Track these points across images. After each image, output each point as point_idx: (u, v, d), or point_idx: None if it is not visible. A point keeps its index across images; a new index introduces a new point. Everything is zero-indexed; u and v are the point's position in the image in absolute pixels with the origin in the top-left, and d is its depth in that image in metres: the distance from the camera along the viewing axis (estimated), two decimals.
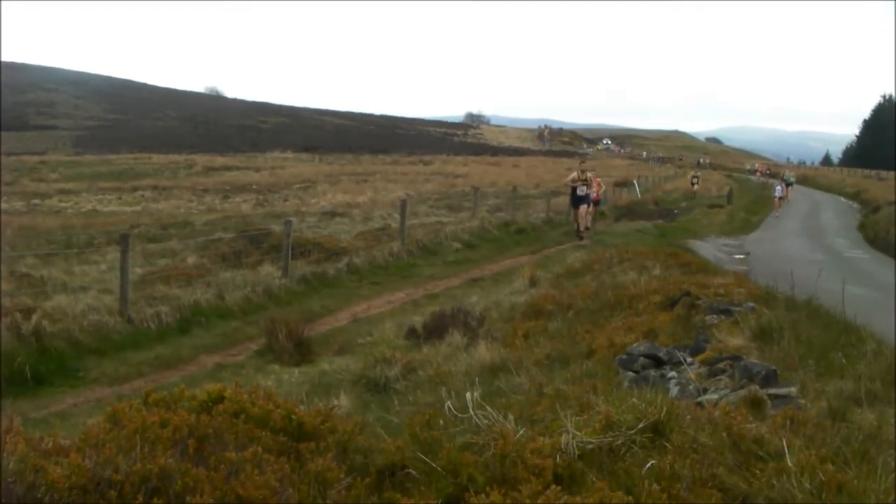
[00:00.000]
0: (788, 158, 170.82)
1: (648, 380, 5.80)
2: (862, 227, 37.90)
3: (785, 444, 3.64)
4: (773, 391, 5.14)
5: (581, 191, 26.03)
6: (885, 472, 3.45)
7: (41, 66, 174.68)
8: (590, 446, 3.79)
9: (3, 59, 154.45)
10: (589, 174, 27.55)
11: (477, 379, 6.64)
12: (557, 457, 3.62)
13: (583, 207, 26.88)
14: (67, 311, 11.69)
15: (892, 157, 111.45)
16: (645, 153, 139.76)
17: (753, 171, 57.07)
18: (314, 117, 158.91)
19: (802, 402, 4.97)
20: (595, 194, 29.37)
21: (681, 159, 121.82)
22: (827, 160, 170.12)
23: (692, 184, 56.88)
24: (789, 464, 3.43)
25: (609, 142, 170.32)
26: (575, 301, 10.78)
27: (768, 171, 71.60)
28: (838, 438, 3.97)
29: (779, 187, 47.67)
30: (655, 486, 3.28)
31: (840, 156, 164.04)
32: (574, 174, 27.01)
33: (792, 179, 56.62)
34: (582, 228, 26.99)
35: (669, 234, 29.03)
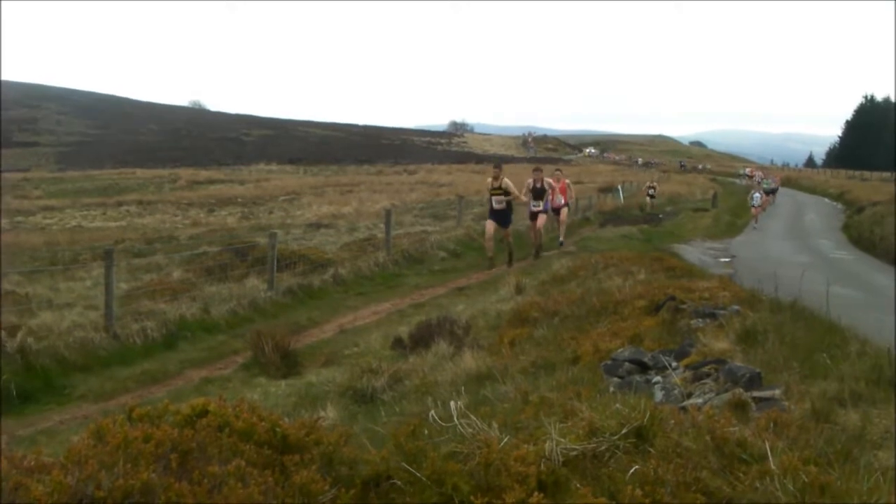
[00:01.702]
0: (772, 160, 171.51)
1: (633, 385, 5.82)
2: (846, 228, 38.07)
3: (768, 446, 3.65)
4: (757, 394, 5.15)
5: (498, 203, 21.11)
6: (869, 473, 3.46)
7: (23, 82, 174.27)
8: (574, 453, 3.79)
9: None
10: (548, 180, 24.49)
11: (463, 388, 6.65)
12: (541, 464, 3.62)
13: (541, 218, 23.78)
14: (53, 327, 11.66)
15: (875, 157, 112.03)
16: (640, 160, 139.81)
17: (747, 176, 55.77)
18: (298, 129, 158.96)
19: (786, 403, 4.98)
20: (563, 200, 26.84)
21: (684, 165, 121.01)
22: (810, 162, 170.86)
23: (649, 196, 50.45)
24: (772, 466, 3.44)
25: (592, 150, 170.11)
26: (560, 308, 10.79)
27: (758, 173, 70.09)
28: (822, 440, 3.98)
29: (756, 195, 43.32)
30: (639, 491, 3.29)
31: (823, 157, 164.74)
32: (488, 181, 22.08)
33: (772, 185, 55.21)
34: (536, 245, 23.97)
35: (655, 238, 29.13)
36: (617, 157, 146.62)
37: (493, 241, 21.34)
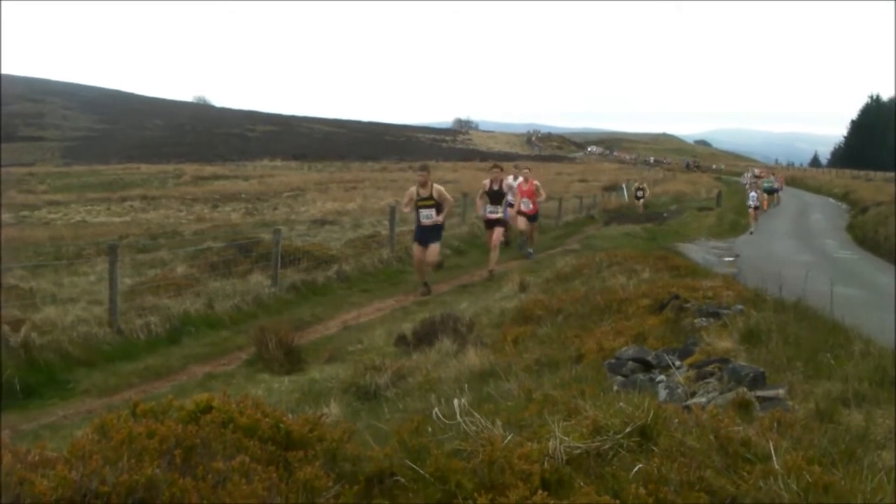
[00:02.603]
0: (777, 160, 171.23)
1: (637, 384, 5.81)
2: (850, 228, 38.00)
3: (772, 445, 3.65)
4: (760, 393, 5.15)
5: (426, 217, 16.96)
6: (872, 473, 3.46)
7: (29, 77, 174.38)
8: (577, 451, 3.79)
9: None
10: (508, 181, 21.14)
11: (466, 385, 6.64)
12: (545, 462, 3.62)
13: (498, 230, 19.86)
14: (57, 322, 11.66)
15: (880, 157, 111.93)
16: (652, 158, 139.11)
17: (755, 177, 54.42)
18: (302, 125, 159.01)
19: (790, 403, 4.98)
20: (533, 206, 23.67)
21: (697, 166, 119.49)
22: (815, 161, 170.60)
23: (637, 198, 47.89)
24: (776, 465, 3.44)
25: (594, 148, 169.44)
26: (564, 306, 10.78)
27: (771, 173, 67.95)
28: (825, 439, 3.98)
29: (752, 194, 39.72)
30: (643, 490, 3.28)
31: (828, 157, 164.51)
32: (412, 190, 17.46)
33: (775, 185, 52.24)
34: (492, 265, 19.56)
35: (659, 237, 29.09)
36: (628, 157, 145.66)
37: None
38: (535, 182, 24.21)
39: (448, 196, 17.47)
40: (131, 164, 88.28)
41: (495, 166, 20.61)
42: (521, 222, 23.42)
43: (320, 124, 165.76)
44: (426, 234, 17.13)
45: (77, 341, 11.24)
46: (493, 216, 19.73)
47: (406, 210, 17.72)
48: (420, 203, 17.02)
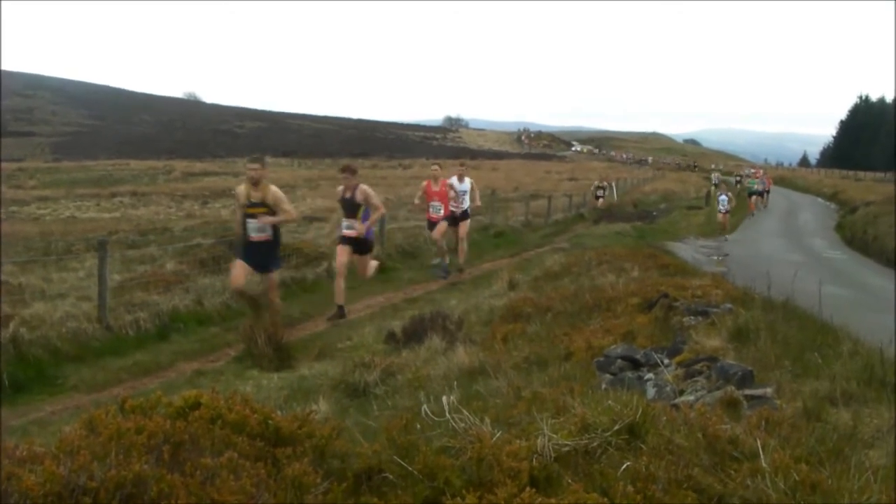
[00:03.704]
0: (766, 159, 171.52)
1: (625, 382, 5.83)
2: (839, 228, 38.13)
3: (760, 444, 3.66)
4: (749, 392, 5.16)
5: (259, 231, 12.33)
6: (859, 472, 3.47)
7: (18, 72, 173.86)
8: (566, 449, 3.80)
9: None
10: (363, 187, 14.32)
11: (455, 382, 6.65)
12: (533, 459, 3.63)
13: (345, 252, 14.58)
14: (45, 318, 11.62)
15: (869, 157, 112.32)
16: (650, 158, 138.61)
17: (748, 177, 52.99)
18: (292, 122, 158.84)
19: (778, 402, 5.00)
20: (459, 205, 19.65)
21: (695, 166, 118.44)
22: (805, 161, 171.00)
23: (596, 197, 43.92)
24: (764, 464, 3.45)
25: (578, 146, 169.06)
26: (553, 304, 10.80)
27: (765, 173, 65.61)
28: (813, 438, 4.00)
29: (723, 197, 35.20)
30: (630, 488, 3.29)
31: (818, 157, 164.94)
32: (239, 190, 13.10)
33: (759, 187, 47.50)
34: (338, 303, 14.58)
35: (648, 235, 29.11)
36: (625, 156, 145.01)
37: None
38: (467, 180, 19.91)
39: (288, 206, 12.95)
40: (121, 159, 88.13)
41: (346, 168, 14.91)
42: (439, 231, 19.15)
43: (310, 121, 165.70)
44: (251, 255, 12.46)
45: (66, 337, 11.21)
46: (348, 233, 14.35)
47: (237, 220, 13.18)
48: (248, 210, 12.40)
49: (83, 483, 2.90)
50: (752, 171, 65.58)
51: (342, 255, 14.59)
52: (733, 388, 5.18)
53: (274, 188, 12.81)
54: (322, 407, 7.02)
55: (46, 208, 46.34)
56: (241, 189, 12.80)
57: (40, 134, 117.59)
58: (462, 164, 21.87)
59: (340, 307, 14.25)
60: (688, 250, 24.85)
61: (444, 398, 4.35)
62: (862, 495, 3.26)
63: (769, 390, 5.23)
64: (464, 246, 20.29)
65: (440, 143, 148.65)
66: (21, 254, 21.31)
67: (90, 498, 2.88)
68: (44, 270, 17.15)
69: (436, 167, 20.05)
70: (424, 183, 19.57)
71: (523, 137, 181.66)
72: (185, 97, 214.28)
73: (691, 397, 5.30)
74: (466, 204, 20.04)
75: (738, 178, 64.49)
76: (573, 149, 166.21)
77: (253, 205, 12.41)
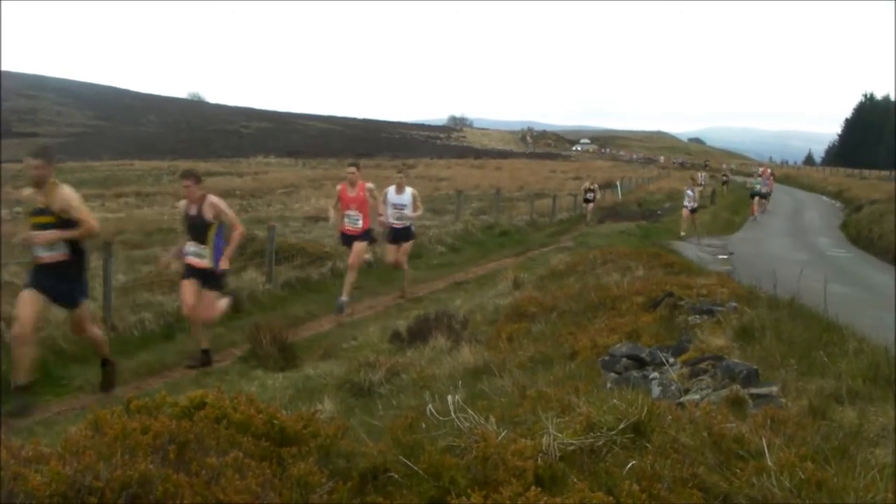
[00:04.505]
0: (771, 158, 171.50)
1: (630, 381, 5.82)
2: (844, 226, 38.10)
3: (765, 442, 3.66)
4: (754, 390, 5.15)
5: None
6: (865, 470, 3.47)
7: (22, 73, 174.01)
8: (571, 447, 3.80)
9: None
10: (213, 199, 11.49)
11: (460, 382, 6.66)
12: (539, 458, 3.63)
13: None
14: (50, 318, 11.64)
15: (874, 156, 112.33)
16: (662, 158, 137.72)
17: (759, 175, 51.29)
18: (297, 122, 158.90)
19: (783, 400, 4.99)
20: (361, 223, 15.26)
21: (707, 165, 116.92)
22: (809, 159, 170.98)
23: (586, 201, 38.62)
24: (769, 462, 3.44)
25: (579, 146, 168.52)
26: (558, 303, 10.79)
27: (771, 175, 62.47)
28: (818, 436, 3.99)
29: (689, 193, 32.92)
30: (636, 487, 3.29)
31: (823, 155, 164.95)
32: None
33: (762, 188, 43.69)
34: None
35: (653, 234, 29.11)
36: (635, 156, 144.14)
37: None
38: (371, 184, 15.67)
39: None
40: (125, 160, 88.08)
41: (188, 174, 11.82)
42: (355, 254, 15.26)
43: (315, 121, 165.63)
44: (49, 281, 9.50)
45: (71, 338, 11.21)
46: (196, 262, 11.28)
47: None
48: (33, 220, 9.57)
49: (89, 483, 2.91)
50: (762, 169, 64.53)
51: (189, 293, 11.27)
52: (738, 386, 5.17)
53: (65, 190, 9.62)
54: (327, 406, 7.04)
55: None
56: (27, 193, 9.74)
57: (44, 135, 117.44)
58: (400, 172, 18.79)
59: (205, 351, 11.53)
60: (693, 249, 24.81)
61: (449, 397, 4.35)
62: (867, 493, 3.25)
63: (774, 389, 5.22)
64: (407, 268, 17.53)
65: (444, 143, 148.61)
66: (25, 254, 21.32)
67: (96, 498, 2.88)
68: None
69: (352, 169, 15.62)
70: (339, 187, 15.64)
71: (528, 137, 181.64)
72: (190, 97, 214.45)
73: (696, 396, 5.29)
74: (409, 219, 17.16)
75: (724, 178, 63.82)
76: (575, 147, 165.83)
77: (38, 212, 9.46)
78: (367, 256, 16.48)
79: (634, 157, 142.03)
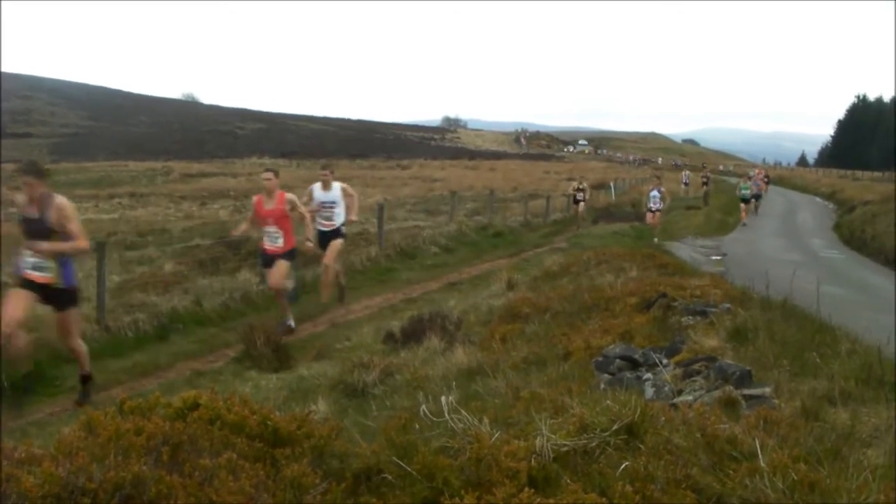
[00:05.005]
0: (764, 159, 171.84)
1: (624, 382, 5.83)
2: (837, 227, 38.13)
3: (758, 443, 3.67)
4: (747, 391, 5.17)
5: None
6: (857, 471, 3.48)
7: (16, 73, 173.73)
8: (564, 449, 3.80)
9: None
10: (59, 200, 9.38)
11: (454, 383, 6.66)
12: (532, 459, 3.63)
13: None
14: (44, 319, 11.63)
15: (867, 157, 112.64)
16: (660, 159, 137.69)
17: (748, 177, 49.85)
18: (291, 122, 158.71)
19: (776, 401, 5.00)
20: (283, 241, 13.12)
21: (703, 166, 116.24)
22: (803, 161, 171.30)
23: (576, 201, 36.46)
24: (762, 463, 3.45)
25: (572, 148, 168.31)
26: (552, 304, 10.80)
27: (766, 179, 60.45)
28: (811, 438, 4.00)
29: (654, 193, 30.12)
30: (629, 488, 3.30)
31: (816, 156, 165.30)
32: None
33: (746, 192, 41.16)
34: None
35: (647, 235, 29.08)
36: (633, 157, 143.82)
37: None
38: (291, 195, 13.47)
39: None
40: (119, 161, 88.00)
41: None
42: (278, 275, 13.16)
43: (309, 122, 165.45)
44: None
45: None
46: (35, 276, 9.13)
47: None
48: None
49: (82, 484, 2.91)
50: (757, 171, 63.51)
51: (16, 306, 9.05)
52: (732, 387, 5.18)
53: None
54: (321, 407, 7.03)
55: None
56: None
57: (38, 135, 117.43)
58: (325, 168, 15.73)
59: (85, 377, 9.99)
60: (686, 250, 24.81)
61: (443, 398, 4.35)
62: (860, 494, 3.26)
63: (767, 390, 5.23)
64: (337, 270, 15.51)
65: (438, 144, 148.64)
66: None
67: (89, 499, 2.88)
68: None
69: (268, 175, 13.30)
70: (255, 199, 13.49)
71: (521, 138, 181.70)
72: (184, 98, 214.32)
73: (690, 397, 5.30)
74: (339, 219, 15.13)
75: (704, 179, 63.59)
76: (567, 149, 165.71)
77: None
78: (289, 283, 13.68)
79: (632, 158, 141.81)
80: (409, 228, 25.59)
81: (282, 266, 13.11)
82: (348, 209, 15.34)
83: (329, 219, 14.98)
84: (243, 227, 13.89)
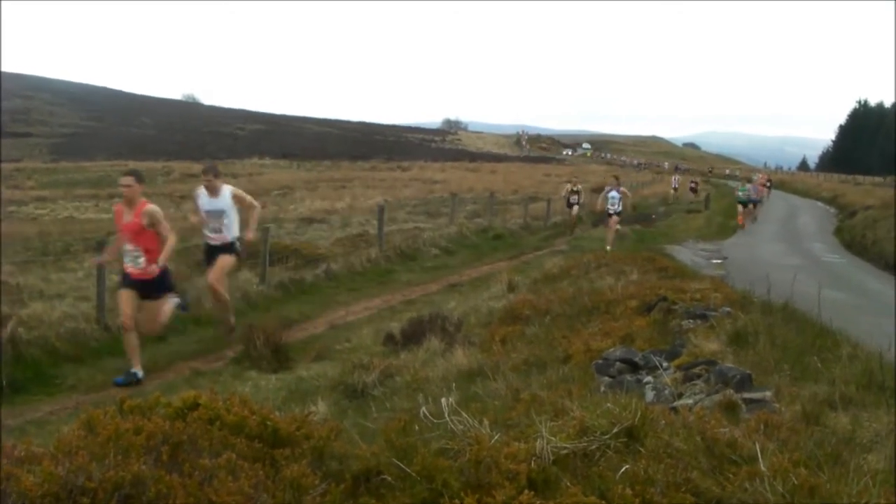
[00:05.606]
0: (766, 163, 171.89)
1: (624, 385, 5.82)
2: (838, 232, 38.13)
3: (758, 447, 3.66)
4: (747, 395, 5.16)
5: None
6: (858, 476, 3.47)
7: (16, 73, 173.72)
8: (564, 451, 3.80)
9: None
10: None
11: (454, 384, 6.66)
12: (532, 462, 3.63)
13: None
14: (44, 318, 11.61)
15: (868, 162, 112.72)
16: (667, 163, 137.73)
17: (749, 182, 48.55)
18: (292, 124, 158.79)
19: (777, 405, 5.00)
20: (146, 263, 10.64)
21: (711, 171, 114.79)
22: (804, 165, 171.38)
23: (570, 204, 33.72)
24: (762, 467, 3.45)
25: (570, 151, 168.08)
26: (552, 306, 10.80)
27: (769, 183, 59.06)
28: (812, 442, 4.00)
29: (613, 194, 26.78)
30: (629, 491, 3.29)
31: (817, 161, 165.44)
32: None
33: (742, 196, 40.46)
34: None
35: (647, 238, 29.08)
36: (636, 161, 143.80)
37: None
38: (150, 207, 10.76)
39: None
40: (119, 160, 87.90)
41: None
42: (126, 303, 10.69)
43: (310, 124, 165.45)
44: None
45: (64, 337, 11.21)
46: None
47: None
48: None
49: (81, 483, 2.90)
50: (760, 176, 63.32)
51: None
52: (732, 391, 5.17)
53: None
54: (320, 408, 7.03)
55: (45, 208, 46.22)
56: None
57: (38, 134, 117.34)
58: (209, 172, 12.86)
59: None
60: (687, 253, 24.80)
61: (443, 400, 4.34)
62: (860, 499, 3.26)
63: (768, 394, 5.23)
64: (225, 299, 12.79)
65: (439, 146, 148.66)
66: (19, 254, 21.29)
67: (88, 498, 2.87)
68: (42, 271, 17.15)
69: (126, 180, 10.87)
70: (115, 208, 11.17)
71: (522, 140, 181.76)
72: (185, 99, 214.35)
73: (690, 400, 5.29)
74: (230, 231, 12.63)
75: (692, 185, 63.22)
76: (566, 152, 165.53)
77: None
78: (163, 320, 11.40)
79: (636, 162, 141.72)
80: (410, 230, 25.59)
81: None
82: (245, 222, 12.88)
83: (217, 231, 12.56)
84: (105, 257, 12.14)
